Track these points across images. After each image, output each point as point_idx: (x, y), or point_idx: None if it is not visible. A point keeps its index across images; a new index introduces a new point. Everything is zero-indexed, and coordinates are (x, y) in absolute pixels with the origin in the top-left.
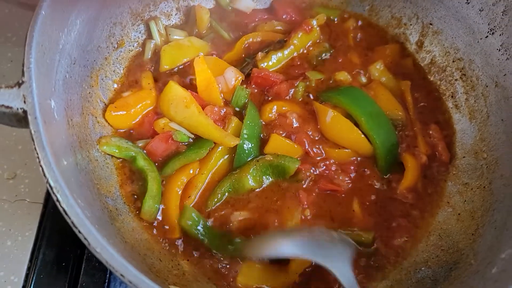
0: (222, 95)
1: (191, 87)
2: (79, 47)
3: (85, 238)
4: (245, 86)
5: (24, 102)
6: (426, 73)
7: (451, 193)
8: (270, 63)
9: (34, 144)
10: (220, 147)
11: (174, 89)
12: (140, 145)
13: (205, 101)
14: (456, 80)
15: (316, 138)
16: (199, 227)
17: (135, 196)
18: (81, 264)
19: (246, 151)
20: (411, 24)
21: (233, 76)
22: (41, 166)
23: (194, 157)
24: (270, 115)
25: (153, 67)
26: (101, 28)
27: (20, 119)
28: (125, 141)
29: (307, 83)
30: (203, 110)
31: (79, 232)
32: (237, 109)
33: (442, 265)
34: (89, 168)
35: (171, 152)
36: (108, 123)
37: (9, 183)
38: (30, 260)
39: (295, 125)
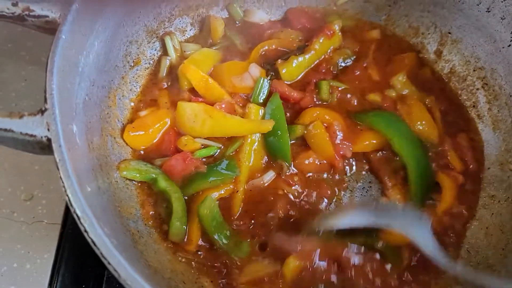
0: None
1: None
2: (97, 68)
3: (115, 270)
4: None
5: (48, 129)
6: (446, 82)
7: (477, 205)
8: (290, 69)
9: (59, 173)
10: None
11: (187, 107)
12: (158, 163)
13: (211, 101)
14: (477, 89)
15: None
16: (214, 223)
17: (159, 217)
18: (101, 285)
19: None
20: (429, 33)
21: (258, 71)
22: (67, 195)
23: (220, 183)
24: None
25: (170, 84)
26: (118, 47)
27: (44, 147)
28: (144, 163)
29: (330, 83)
30: (212, 107)
31: (109, 263)
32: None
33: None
34: (110, 191)
35: (189, 172)
36: (127, 144)
37: (26, 204)
38: (50, 284)
39: (339, 137)
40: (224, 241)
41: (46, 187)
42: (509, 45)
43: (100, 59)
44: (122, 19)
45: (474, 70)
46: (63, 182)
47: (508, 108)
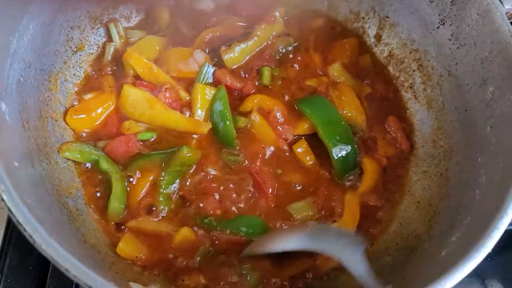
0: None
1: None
2: (34, 51)
3: (30, 236)
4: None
5: None
6: (385, 66)
7: (412, 181)
8: (233, 55)
9: None
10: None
11: (131, 93)
12: (101, 145)
13: (156, 86)
14: (413, 71)
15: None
16: (178, 168)
17: (100, 197)
18: (48, 267)
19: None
20: (369, 18)
21: (203, 56)
22: None
23: (159, 160)
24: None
25: (115, 69)
26: (58, 32)
27: None
28: (87, 145)
29: (272, 68)
30: (156, 98)
31: (25, 230)
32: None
33: (400, 252)
34: (48, 170)
35: (132, 154)
36: (69, 126)
37: None
38: None
39: (280, 121)
40: (165, 188)
41: None
42: (438, 27)
43: (37, 42)
44: (60, 4)
45: (410, 53)
46: None
47: (440, 87)
